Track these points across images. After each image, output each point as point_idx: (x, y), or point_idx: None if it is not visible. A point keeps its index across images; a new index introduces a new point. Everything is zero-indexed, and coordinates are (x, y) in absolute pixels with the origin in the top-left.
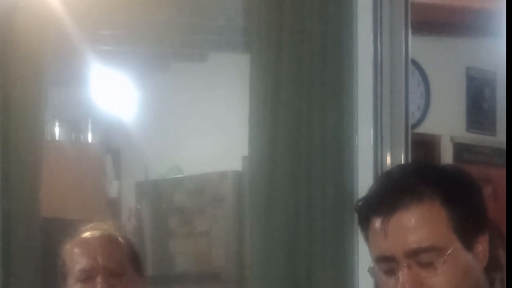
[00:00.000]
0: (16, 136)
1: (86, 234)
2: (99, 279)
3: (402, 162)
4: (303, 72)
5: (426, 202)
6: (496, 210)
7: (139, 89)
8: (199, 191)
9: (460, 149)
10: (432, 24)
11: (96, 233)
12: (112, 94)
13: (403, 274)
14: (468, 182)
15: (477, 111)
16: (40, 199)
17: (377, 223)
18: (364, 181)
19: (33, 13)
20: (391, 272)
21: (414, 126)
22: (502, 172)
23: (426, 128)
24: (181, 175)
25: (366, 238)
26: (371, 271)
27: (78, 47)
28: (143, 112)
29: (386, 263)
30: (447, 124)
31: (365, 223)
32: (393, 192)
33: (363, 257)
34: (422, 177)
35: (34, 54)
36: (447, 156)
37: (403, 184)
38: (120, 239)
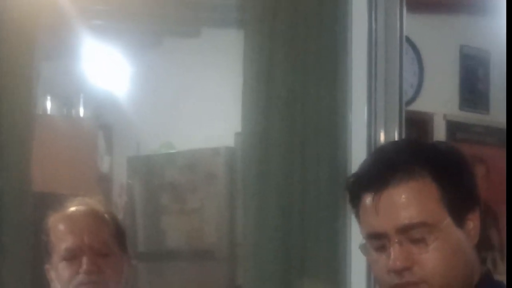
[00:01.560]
0: (8, 110)
1: (72, 210)
2: (85, 260)
3: (396, 139)
4: (297, 48)
5: (417, 178)
6: (489, 189)
7: (131, 64)
8: (191, 167)
9: (453, 127)
10: (427, 1)
11: (82, 208)
12: (104, 69)
13: (394, 251)
14: (459, 159)
15: (470, 89)
16: (31, 173)
17: (368, 199)
18: (357, 159)
19: None
20: (382, 249)
21: (407, 104)
22: (495, 151)
23: (419, 106)
24: (173, 151)
25: (357, 215)
26: (362, 248)
27: (71, 22)
28: (135, 88)
29: (377, 240)
30: (440, 102)
31: (356, 199)
32: (384, 168)
33: (356, 234)
34: (413, 153)
35: (26, 29)
36: (440, 135)
37: (394, 161)
38: (106, 215)
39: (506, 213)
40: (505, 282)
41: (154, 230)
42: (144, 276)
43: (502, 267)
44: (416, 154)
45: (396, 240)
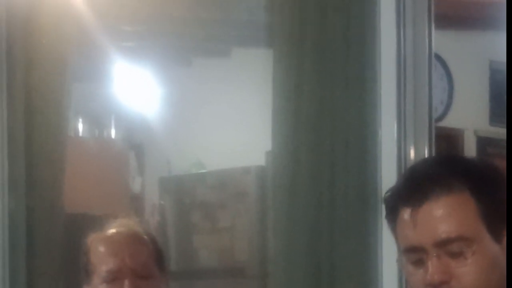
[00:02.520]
0: (40, 132)
1: (113, 231)
2: (126, 282)
3: (426, 156)
4: (326, 67)
5: (455, 192)
6: None
7: (161, 84)
8: (222, 186)
9: (484, 142)
10: (455, 18)
11: (122, 230)
12: (134, 90)
13: (432, 265)
14: (497, 174)
15: (500, 104)
16: (63, 195)
17: (406, 213)
18: (387, 176)
19: (55, 10)
20: (419, 263)
21: (437, 120)
22: None
23: (449, 122)
24: (204, 170)
25: (393, 229)
26: (399, 262)
27: (100, 44)
28: (165, 108)
29: (415, 254)
30: (470, 118)
31: (393, 214)
32: (423, 182)
33: (387, 251)
34: (451, 168)
35: (57, 51)
36: (470, 150)
37: (433, 175)
38: (146, 237)
39: (506, 212)
40: None
41: (185, 248)
42: None
43: None
44: (454, 169)
45: (434, 254)
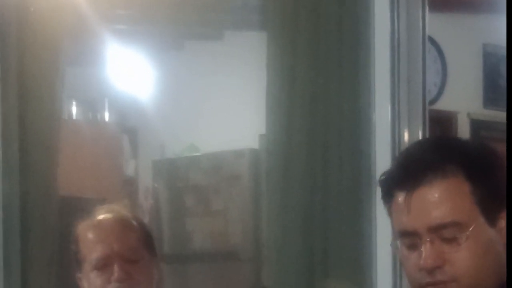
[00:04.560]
0: (34, 116)
1: (100, 218)
2: (116, 268)
3: (420, 138)
4: (320, 49)
5: (449, 177)
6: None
7: (155, 68)
8: (216, 169)
9: (477, 125)
10: (449, 0)
11: (109, 216)
12: (128, 73)
13: (426, 249)
14: (492, 157)
15: (494, 87)
16: (57, 178)
17: (400, 198)
18: (381, 159)
19: None
20: (413, 247)
21: (431, 103)
22: None
23: (443, 105)
24: (197, 154)
25: (389, 211)
26: (393, 245)
27: (94, 27)
28: (159, 91)
29: (409, 238)
30: (463, 100)
31: (388, 197)
32: (417, 167)
33: (381, 233)
34: (446, 151)
35: (50, 35)
36: (464, 133)
37: (427, 159)
38: (134, 222)
39: (506, 213)
40: None
41: (179, 232)
42: (169, 278)
43: None
44: (449, 153)
45: (428, 239)
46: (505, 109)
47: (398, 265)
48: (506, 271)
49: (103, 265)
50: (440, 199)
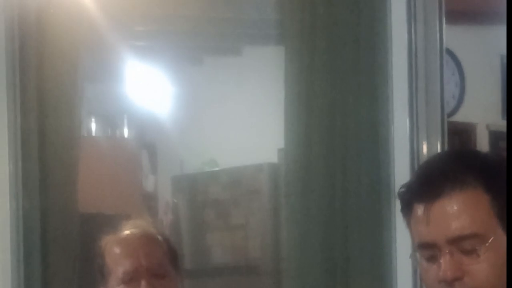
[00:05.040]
0: (53, 132)
1: (126, 233)
2: (143, 282)
3: (439, 151)
4: (337, 62)
5: (469, 189)
6: None
7: (173, 83)
8: (235, 184)
9: (496, 137)
10: (466, 12)
11: (136, 231)
12: (146, 89)
13: (445, 261)
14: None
15: None
16: (77, 194)
17: (419, 210)
18: (400, 171)
19: (67, 10)
20: (432, 259)
21: (449, 115)
22: None
23: (462, 116)
24: (216, 168)
25: (408, 224)
26: (412, 257)
27: (112, 43)
28: (177, 106)
29: (428, 250)
30: (482, 112)
31: (407, 209)
32: (436, 179)
33: (401, 246)
34: (465, 163)
35: (68, 51)
36: (483, 144)
37: (446, 171)
38: (159, 237)
39: (506, 213)
40: None
41: (199, 247)
42: None
43: None
44: (468, 165)
45: (447, 251)
46: None
47: (419, 277)
48: (506, 271)
49: (130, 279)
50: (459, 211)
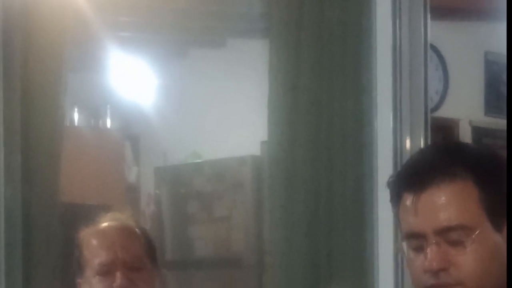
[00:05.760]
0: (36, 122)
1: (104, 225)
2: (118, 274)
3: (422, 146)
4: (322, 57)
5: (458, 180)
6: None
7: (157, 75)
8: (218, 176)
9: (479, 133)
10: (451, 8)
11: (114, 224)
12: (130, 80)
13: (431, 251)
14: (501, 163)
15: (495, 95)
16: (60, 185)
17: (408, 199)
18: (383, 165)
19: (52, 0)
20: (419, 249)
21: (433, 110)
22: None
23: (445, 112)
24: (200, 161)
25: (396, 214)
26: (399, 247)
27: (97, 34)
28: (161, 98)
29: (415, 240)
30: (465, 108)
31: (396, 199)
32: (426, 169)
33: (383, 241)
34: (456, 156)
35: (53, 41)
36: (465, 140)
37: (436, 162)
38: (138, 231)
39: (506, 213)
40: None
41: (181, 239)
42: (172, 285)
43: None
44: (459, 157)
45: (434, 241)
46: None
47: (400, 271)
48: (506, 271)
49: (106, 271)
50: (447, 201)
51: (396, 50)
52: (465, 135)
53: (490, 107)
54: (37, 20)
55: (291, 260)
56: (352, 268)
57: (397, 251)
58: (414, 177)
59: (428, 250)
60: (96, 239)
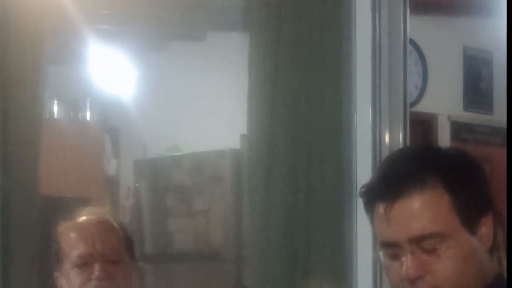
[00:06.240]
0: (15, 114)
1: (82, 219)
2: (97, 267)
3: (401, 140)
4: (302, 51)
5: (428, 188)
6: (493, 189)
7: (137, 68)
8: (198, 169)
9: (458, 128)
10: (430, 4)
11: (92, 218)
12: (110, 73)
13: (407, 260)
14: (472, 164)
15: (474, 90)
16: (39, 177)
17: (381, 209)
18: (362, 160)
19: None
20: (395, 257)
21: (412, 105)
22: (499, 151)
23: (424, 107)
24: (179, 154)
25: (371, 221)
26: (376, 255)
27: (77, 26)
28: (141, 91)
29: (391, 249)
30: (444, 103)
31: (369, 207)
32: (397, 178)
33: (362, 234)
34: (426, 163)
35: (32, 33)
36: (444, 135)
37: (407, 170)
38: (115, 224)
39: (506, 213)
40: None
41: (161, 232)
42: (150, 278)
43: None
44: (427, 163)
45: (409, 250)
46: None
47: (379, 265)
48: (506, 271)
49: (84, 263)
50: (419, 210)
51: (375, 44)
52: (444, 130)
53: (469, 102)
54: (16, 12)
55: (270, 254)
56: (330, 261)
57: (375, 259)
58: (385, 187)
59: (404, 259)
60: (74, 232)
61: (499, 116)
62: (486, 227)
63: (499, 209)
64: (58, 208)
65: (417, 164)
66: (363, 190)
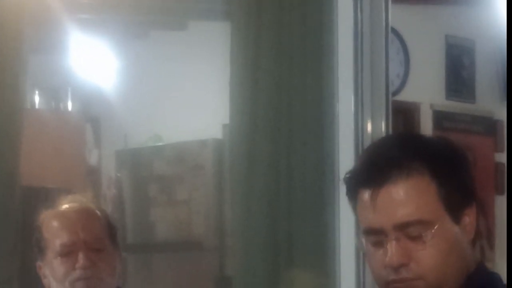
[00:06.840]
0: None
1: (65, 207)
2: (81, 255)
3: (383, 129)
4: (283, 40)
5: (415, 175)
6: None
7: (118, 57)
8: (179, 159)
9: (440, 116)
10: None
11: (74, 206)
12: (91, 62)
13: (391, 247)
14: (457, 154)
15: (456, 79)
16: (20, 168)
17: (365, 195)
18: (344, 149)
19: None
20: (379, 244)
21: (394, 93)
22: (481, 140)
23: (406, 95)
24: (161, 143)
25: (354, 208)
26: (359, 242)
27: (58, 15)
28: (122, 81)
29: (375, 235)
30: (426, 92)
31: (353, 194)
32: (382, 164)
33: (344, 223)
34: (412, 149)
35: (13, 23)
36: (426, 124)
37: (392, 157)
38: (98, 212)
39: (506, 213)
40: (495, 271)
41: (142, 222)
42: (133, 268)
43: (490, 255)
44: (414, 150)
45: (393, 237)
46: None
47: (362, 255)
48: (506, 271)
49: (67, 252)
50: (405, 197)
51: (357, 33)
52: (426, 119)
53: (451, 91)
54: None
55: (252, 243)
56: (313, 250)
57: (357, 247)
58: (370, 173)
59: (388, 246)
60: (57, 220)
61: (481, 105)
62: (469, 218)
63: (480, 197)
64: (39, 198)
65: (404, 151)
66: (347, 176)
